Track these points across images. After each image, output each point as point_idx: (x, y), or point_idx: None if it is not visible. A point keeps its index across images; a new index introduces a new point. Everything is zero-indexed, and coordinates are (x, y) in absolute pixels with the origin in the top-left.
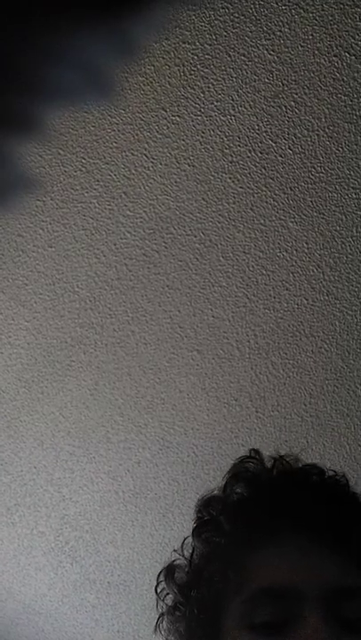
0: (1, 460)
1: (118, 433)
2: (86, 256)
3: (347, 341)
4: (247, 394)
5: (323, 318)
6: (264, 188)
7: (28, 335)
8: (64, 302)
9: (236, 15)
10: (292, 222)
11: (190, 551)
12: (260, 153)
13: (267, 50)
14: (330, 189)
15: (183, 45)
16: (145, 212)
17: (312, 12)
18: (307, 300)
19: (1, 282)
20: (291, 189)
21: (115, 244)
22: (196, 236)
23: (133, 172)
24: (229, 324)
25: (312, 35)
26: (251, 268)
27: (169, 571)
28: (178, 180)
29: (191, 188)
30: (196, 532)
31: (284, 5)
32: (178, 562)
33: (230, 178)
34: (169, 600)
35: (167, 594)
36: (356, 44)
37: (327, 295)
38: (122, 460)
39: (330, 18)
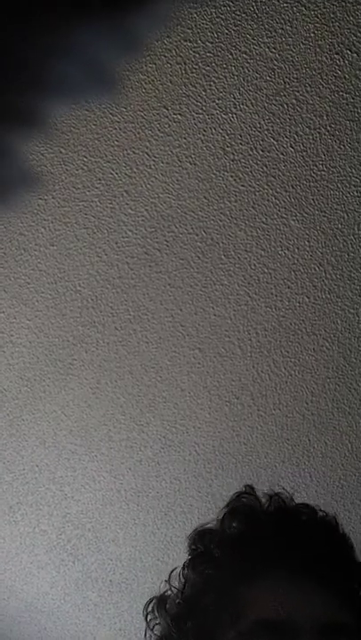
0: (3, 458)
1: (120, 431)
2: (88, 254)
3: (348, 339)
4: (249, 392)
5: (324, 316)
6: (266, 187)
7: (29, 334)
8: (66, 301)
9: (238, 13)
10: (293, 220)
11: (182, 582)
12: (262, 151)
13: (268, 48)
14: (332, 187)
15: (185, 43)
16: (146, 210)
17: (313, 10)
18: (308, 298)
19: (2, 280)
20: (292, 187)
21: (116, 243)
22: (197, 235)
23: (135, 170)
24: (231, 323)
25: (313, 32)
26: (252, 267)
27: (160, 601)
28: (179, 178)
29: (193, 186)
30: (191, 564)
31: (286, 3)
32: (168, 593)
33: (232, 176)
34: (157, 630)
35: (156, 624)
36: (358, 42)
37: (329, 293)
38: (124, 458)
39: (331, 15)
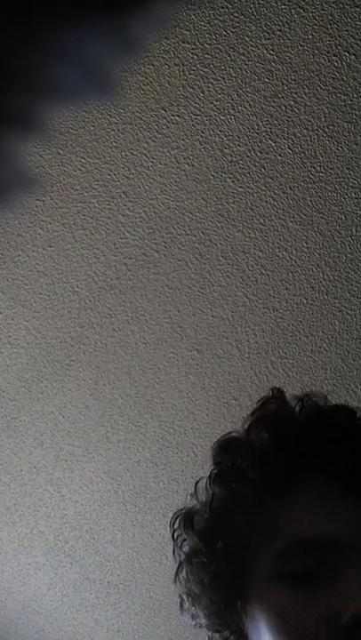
0: (1, 459)
1: (118, 432)
2: (86, 256)
3: (346, 341)
4: (246, 393)
5: (322, 318)
6: (264, 188)
7: (27, 335)
8: (64, 302)
9: (236, 15)
10: (291, 222)
11: (209, 497)
12: (260, 152)
13: (266, 49)
14: (329, 189)
15: (183, 45)
16: (144, 211)
17: (312, 12)
18: (306, 299)
19: (0, 281)
20: (290, 189)
21: (114, 244)
22: (195, 236)
23: (133, 171)
24: (229, 324)
25: (312, 34)
26: (250, 268)
27: (187, 517)
28: (177, 179)
29: (191, 187)
30: (217, 479)
31: (284, 5)
32: (194, 508)
33: (230, 177)
34: (186, 548)
35: (184, 540)
36: (356, 44)
37: (327, 295)
38: (121, 459)
39: (330, 17)
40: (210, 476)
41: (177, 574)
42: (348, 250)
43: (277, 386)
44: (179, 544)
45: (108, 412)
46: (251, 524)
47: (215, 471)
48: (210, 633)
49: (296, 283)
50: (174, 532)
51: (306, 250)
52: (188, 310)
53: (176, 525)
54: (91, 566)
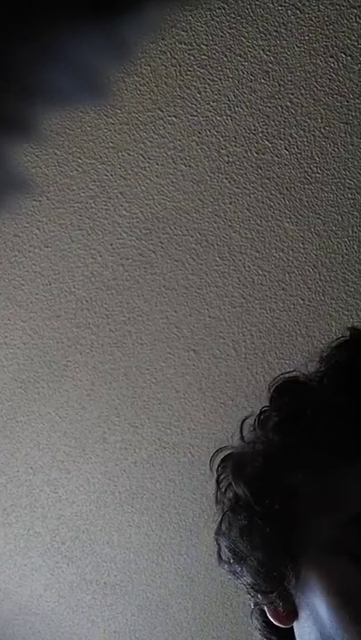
0: None
1: (115, 433)
2: (83, 256)
3: None
4: (243, 394)
5: (319, 318)
6: (260, 189)
7: (24, 335)
8: (61, 302)
9: (233, 16)
10: (288, 222)
11: (263, 444)
12: (257, 153)
13: (263, 50)
14: (326, 190)
15: (179, 46)
16: (141, 212)
17: (308, 13)
18: (303, 300)
19: None
20: (287, 189)
21: (111, 244)
22: (192, 236)
23: (130, 172)
24: (226, 324)
25: (308, 35)
26: (247, 268)
27: (237, 463)
28: (174, 180)
29: (188, 188)
30: (276, 426)
31: (281, 6)
32: (244, 451)
33: (227, 178)
34: (231, 494)
35: (229, 486)
36: (353, 45)
37: (323, 295)
38: (118, 460)
39: (326, 19)
40: (264, 420)
41: (220, 524)
42: (345, 250)
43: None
44: (223, 489)
45: (105, 413)
46: (311, 485)
47: (275, 416)
48: (253, 593)
49: (293, 283)
50: (219, 475)
51: (302, 250)
52: (185, 311)
53: (222, 468)
54: (87, 567)
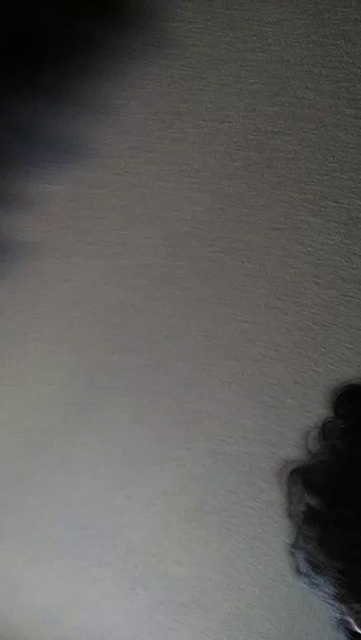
0: (59, 495)
1: (169, 452)
2: (111, 283)
3: None
4: (291, 394)
5: (357, 307)
6: (277, 186)
7: (64, 370)
8: (96, 331)
9: (225, 23)
10: (310, 215)
11: (332, 454)
12: (266, 153)
13: (258, 52)
14: (344, 177)
15: (174, 62)
16: (161, 230)
17: (298, 6)
18: (337, 290)
19: (29, 324)
20: (304, 183)
21: (138, 267)
22: (215, 246)
23: (146, 193)
24: (263, 327)
25: (304, 28)
26: (275, 268)
27: (305, 475)
28: (189, 193)
29: (203, 199)
30: (345, 434)
31: (271, 5)
32: (311, 463)
33: (242, 182)
34: (303, 507)
35: (301, 499)
36: (351, 30)
37: (358, 283)
38: (176, 478)
39: (320, 7)
40: (330, 430)
41: (296, 537)
42: None
43: (320, 382)
44: (294, 502)
45: (157, 433)
46: None
47: (341, 425)
48: (335, 603)
49: (324, 276)
50: (290, 489)
51: (330, 241)
52: (219, 320)
53: (291, 482)
54: (162, 590)
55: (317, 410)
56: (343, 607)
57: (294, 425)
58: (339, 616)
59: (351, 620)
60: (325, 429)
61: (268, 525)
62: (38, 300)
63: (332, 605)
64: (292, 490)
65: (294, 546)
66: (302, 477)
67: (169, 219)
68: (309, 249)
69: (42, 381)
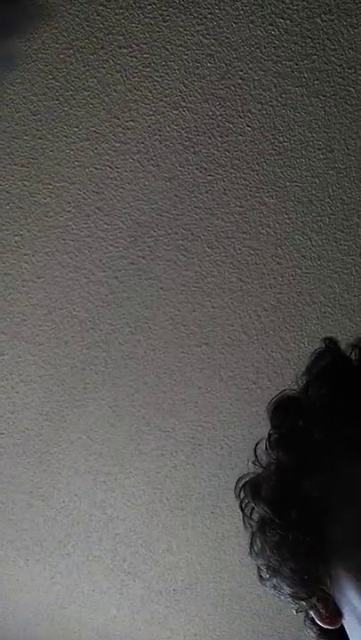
0: (41, 495)
1: (148, 442)
2: (76, 278)
3: (349, 300)
4: (264, 374)
5: (320, 283)
6: (232, 170)
7: (37, 369)
8: (65, 328)
9: (165, 9)
10: (267, 196)
11: (272, 463)
12: (220, 137)
13: (202, 35)
14: (296, 155)
15: (120, 50)
16: (122, 221)
17: None
18: (300, 269)
19: (0, 325)
20: (258, 164)
21: (100, 260)
22: (177, 233)
23: (101, 185)
24: (230, 311)
25: (243, 9)
26: (238, 251)
27: (253, 486)
28: (146, 182)
29: (161, 187)
30: (279, 443)
31: None
32: (260, 474)
33: (197, 168)
34: (256, 516)
35: (253, 510)
36: (288, 8)
37: (319, 260)
38: (158, 468)
39: None
40: (269, 440)
41: (251, 545)
42: (330, 210)
43: (292, 360)
44: (248, 513)
45: (135, 425)
46: (325, 487)
47: (276, 435)
48: (295, 602)
49: (286, 255)
50: (241, 501)
51: (288, 220)
52: (188, 307)
53: (243, 495)
54: (153, 579)
55: (293, 386)
56: (303, 603)
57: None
58: (304, 615)
59: (313, 615)
60: (269, 440)
61: None
62: (7, 300)
63: (296, 604)
64: (244, 501)
65: (251, 554)
66: (250, 489)
67: (127, 209)
68: (268, 229)
69: (16, 382)
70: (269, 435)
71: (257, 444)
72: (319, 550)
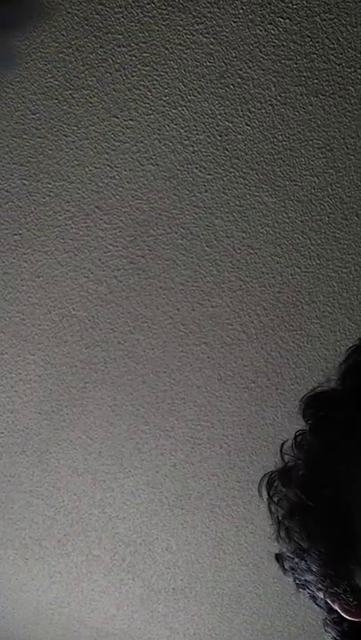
0: (41, 494)
1: (148, 442)
2: (74, 277)
3: (348, 299)
4: (263, 373)
5: (319, 282)
6: (231, 170)
7: (37, 368)
8: (64, 327)
9: (164, 8)
10: (266, 196)
11: (303, 451)
12: (219, 136)
13: (201, 34)
14: (296, 154)
15: (120, 49)
16: (121, 220)
17: None
18: (299, 268)
19: None
20: (257, 164)
21: (100, 259)
22: (176, 232)
23: (100, 184)
24: (230, 310)
25: (242, 8)
26: (237, 250)
27: (283, 473)
28: (145, 181)
29: (160, 186)
30: (312, 431)
31: None
32: (287, 466)
33: (196, 167)
34: (284, 504)
35: (281, 498)
36: (287, 7)
37: (318, 259)
38: (157, 467)
39: None
40: (301, 432)
41: (278, 531)
42: (329, 210)
43: (291, 359)
44: (276, 501)
45: (134, 424)
46: (353, 475)
47: (311, 423)
48: (323, 587)
49: (285, 254)
50: (270, 490)
51: (287, 219)
52: (187, 306)
53: (271, 483)
54: (153, 578)
55: (291, 386)
56: (330, 590)
57: (269, 403)
58: (328, 613)
59: (338, 607)
60: (297, 439)
61: (252, 504)
62: (6, 300)
63: (324, 591)
64: (272, 491)
65: (278, 540)
66: (280, 478)
67: (127, 208)
68: (268, 228)
69: (15, 381)
70: (299, 435)
71: (283, 444)
72: (350, 538)
